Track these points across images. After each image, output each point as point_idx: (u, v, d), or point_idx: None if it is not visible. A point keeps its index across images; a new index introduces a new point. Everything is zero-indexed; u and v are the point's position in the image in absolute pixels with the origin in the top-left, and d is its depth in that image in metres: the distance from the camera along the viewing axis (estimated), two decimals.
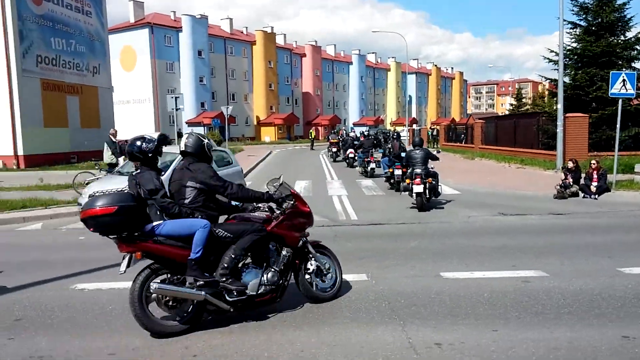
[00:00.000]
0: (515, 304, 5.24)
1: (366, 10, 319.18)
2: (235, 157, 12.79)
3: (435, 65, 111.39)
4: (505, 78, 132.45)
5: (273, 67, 72.21)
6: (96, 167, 14.66)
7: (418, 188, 11.31)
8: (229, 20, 70.75)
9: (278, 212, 5.27)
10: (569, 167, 13.44)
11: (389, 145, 16.60)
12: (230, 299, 4.76)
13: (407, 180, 11.69)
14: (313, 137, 39.91)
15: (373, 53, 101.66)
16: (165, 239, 4.57)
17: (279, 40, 76.86)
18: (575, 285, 5.80)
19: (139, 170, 4.79)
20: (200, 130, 52.72)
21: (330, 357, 4.08)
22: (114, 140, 14.34)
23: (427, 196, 11.56)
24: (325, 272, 5.50)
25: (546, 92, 27.70)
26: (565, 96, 19.96)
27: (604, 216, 10.57)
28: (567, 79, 21.88)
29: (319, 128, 74.58)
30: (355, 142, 24.14)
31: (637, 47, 21.43)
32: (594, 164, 13.07)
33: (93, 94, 34.09)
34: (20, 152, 27.07)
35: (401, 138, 18.01)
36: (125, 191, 4.72)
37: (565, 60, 21.74)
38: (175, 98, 18.57)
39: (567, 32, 22.87)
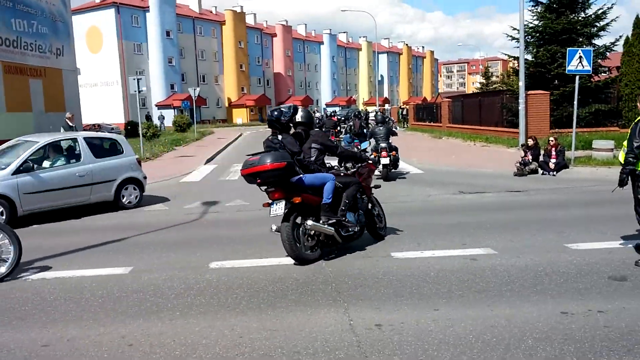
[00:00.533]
0: (460, 282, 5.30)
1: None
2: (129, 147, 11.01)
3: (407, 45, 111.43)
4: (475, 57, 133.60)
5: (243, 48, 71.26)
6: None
7: (385, 160, 12.70)
8: None
9: (353, 170, 6.79)
10: (529, 144, 13.63)
11: (351, 123, 17.66)
12: (344, 234, 6.27)
13: (374, 154, 12.60)
14: None
15: (344, 32, 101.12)
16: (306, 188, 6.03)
17: (249, 20, 75.76)
18: (521, 262, 5.89)
19: (280, 136, 6.04)
20: (170, 112, 51.93)
21: (268, 342, 4.06)
22: (70, 124, 14.03)
23: (391, 168, 13.01)
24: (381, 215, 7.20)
25: (511, 71, 27.92)
26: (528, 74, 20.15)
27: (560, 192, 10.77)
28: (529, 57, 22.09)
29: None
30: (318, 123, 24.36)
31: (597, 24, 21.67)
32: (552, 140, 13.27)
33: (57, 77, 33.03)
34: None
35: (367, 117, 19.09)
36: (282, 151, 5.83)
37: (528, 38, 21.92)
38: (138, 80, 18.19)
39: (528, 10, 23.12)
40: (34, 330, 4.43)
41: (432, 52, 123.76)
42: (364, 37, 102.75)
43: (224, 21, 69.83)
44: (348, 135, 17.12)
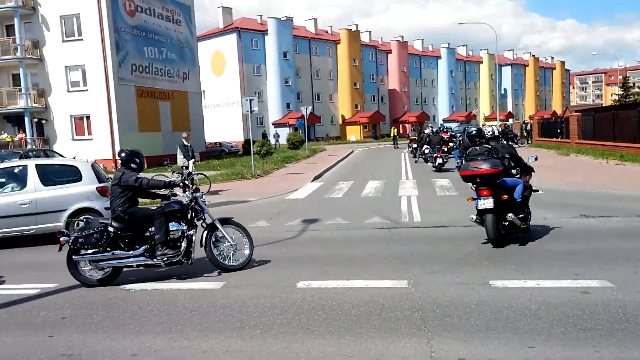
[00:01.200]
0: (564, 317, 4.73)
1: (458, 2, 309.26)
2: (92, 174, 10.03)
3: (533, 56, 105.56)
4: (614, 66, 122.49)
5: (358, 65, 72.07)
6: (169, 170, 15.30)
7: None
8: (313, 20, 71.60)
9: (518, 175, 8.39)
10: None
11: (460, 139, 17.22)
12: (522, 226, 7.73)
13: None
14: (395, 135, 39.37)
15: (463, 46, 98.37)
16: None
17: (364, 38, 76.60)
18: None
19: (490, 145, 7.97)
20: (285, 130, 53.82)
21: None
22: (185, 144, 14.92)
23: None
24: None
25: None
26: None
27: None
28: None
29: (406, 125, 73.41)
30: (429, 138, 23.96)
31: None
32: None
33: (183, 99, 35.91)
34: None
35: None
36: (495, 159, 7.49)
37: None
38: (250, 100, 19.02)
39: None
40: (127, 340, 4.67)
41: (562, 63, 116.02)
42: (485, 49, 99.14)
43: (339, 40, 71.29)
44: (457, 150, 18.28)
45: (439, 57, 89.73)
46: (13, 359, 4.38)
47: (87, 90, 29.50)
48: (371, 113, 71.04)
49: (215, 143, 47.04)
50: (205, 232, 6.69)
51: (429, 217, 10.59)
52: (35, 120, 30.40)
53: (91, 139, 29.55)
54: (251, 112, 19.00)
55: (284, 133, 50.03)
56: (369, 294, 5.68)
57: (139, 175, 6.54)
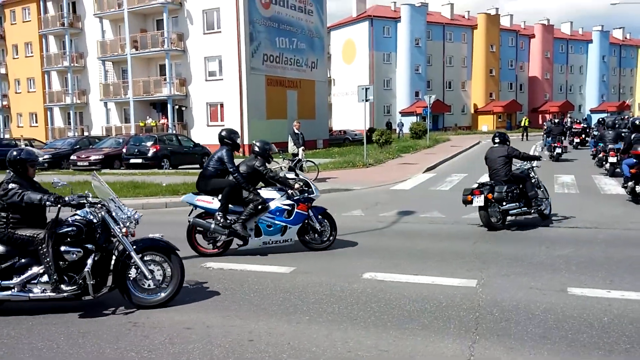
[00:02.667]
0: (636, 334, 4.25)
1: None
2: None
3: None
4: None
5: (495, 52, 68.32)
6: (281, 157, 15.98)
7: (612, 159, 13.21)
8: (449, 5, 69.13)
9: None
10: None
11: (595, 132, 20.76)
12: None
13: (602, 153, 12.88)
14: (526, 125, 36.60)
15: (620, 28, 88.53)
16: None
17: (504, 22, 72.29)
18: None
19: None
20: (412, 119, 52.99)
21: None
22: (296, 132, 15.44)
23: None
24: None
25: None
26: None
27: None
28: None
29: (546, 116, 68.22)
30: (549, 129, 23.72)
31: None
32: None
33: (310, 88, 37.00)
34: (246, 142, 30.92)
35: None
36: None
37: None
38: (366, 89, 19.08)
39: None
40: (186, 314, 5.08)
41: None
42: None
43: (476, 25, 68.11)
44: (593, 140, 20.69)
45: (590, 41, 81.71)
46: (87, 329, 5.00)
47: (222, 79, 31.73)
48: (507, 102, 67.10)
49: (340, 131, 47.83)
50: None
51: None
52: (177, 107, 33.42)
53: (223, 125, 31.73)
54: (366, 101, 19.06)
55: (410, 122, 49.32)
56: (431, 290, 5.55)
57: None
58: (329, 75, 58.38)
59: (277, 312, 5.05)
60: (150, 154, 21.32)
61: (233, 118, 31.10)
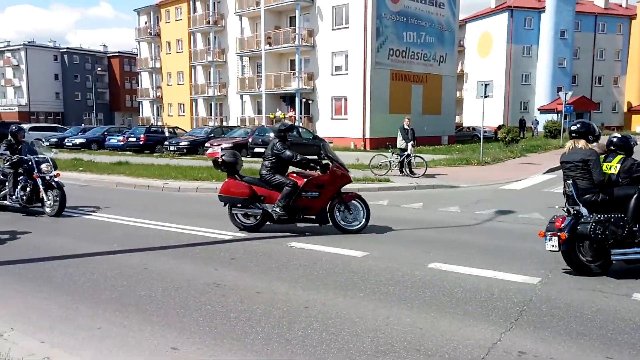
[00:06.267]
0: None
1: None
2: None
3: None
4: None
5: None
6: (389, 151, 16.36)
7: None
8: None
9: None
10: None
11: None
12: None
13: None
14: None
15: None
16: None
17: None
18: None
19: None
20: (552, 117, 49.70)
21: (402, 336, 4.32)
22: (406, 127, 15.69)
23: None
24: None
25: None
26: None
27: None
28: None
29: None
30: None
31: None
32: None
33: (437, 82, 36.58)
34: (367, 135, 31.62)
35: None
36: None
37: None
38: (485, 85, 18.66)
39: None
40: (259, 281, 5.86)
41: None
42: None
43: (635, 15, 61.65)
44: None
45: None
46: (182, 277, 5.97)
47: (347, 74, 32.69)
48: None
49: (469, 127, 46.50)
50: None
51: None
52: (304, 100, 35.08)
53: (346, 119, 32.76)
54: (485, 97, 18.66)
55: (545, 120, 46.34)
56: (489, 283, 5.72)
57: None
58: (460, 69, 56.85)
59: (336, 288, 5.61)
60: None
61: (356, 112, 31.92)
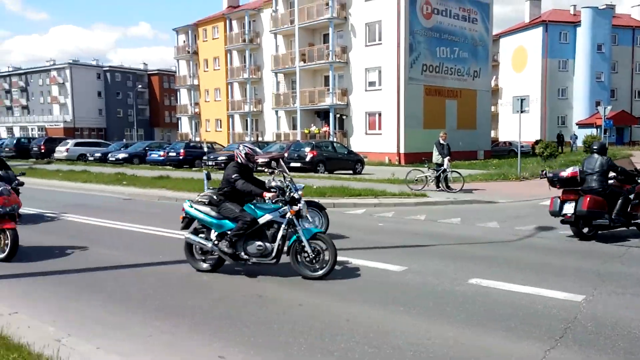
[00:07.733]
0: None
1: None
2: None
3: None
4: None
5: None
6: (425, 166, 16.31)
7: None
8: None
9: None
10: None
11: None
12: None
13: None
14: None
15: None
16: None
17: None
18: None
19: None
20: (591, 131, 48.59)
21: (444, 351, 4.36)
22: (442, 142, 15.64)
23: None
24: None
25: None
26: None
27: None
28: None
29: None
30: None
31: None
32: None
33: (471, 97, 36.35)
34: (402, 150, 31.57)
35: None
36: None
37: None
38: (521, 100, 18.48)
39: None
40: (308, 294, 5.97)
41: None
42: None
43: None
44: None
45: None
46: (225, 288, 6.12)
47: (380, 89, 32.83)
48: None
49: (505, 142, 45.88)
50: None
51: None
52: (338, 115, 35.33)
53: (380, 134, 32.81)
54: (521, 112, 18.47)
55: (584, 134, 45.35)
56: (531, 300, 5.68)
57: None
58: (495, 84, 56.22)
59: (377, 301, 5.67)
60: (307, 158, 23.25)
61: (390, 127, 31.95)
